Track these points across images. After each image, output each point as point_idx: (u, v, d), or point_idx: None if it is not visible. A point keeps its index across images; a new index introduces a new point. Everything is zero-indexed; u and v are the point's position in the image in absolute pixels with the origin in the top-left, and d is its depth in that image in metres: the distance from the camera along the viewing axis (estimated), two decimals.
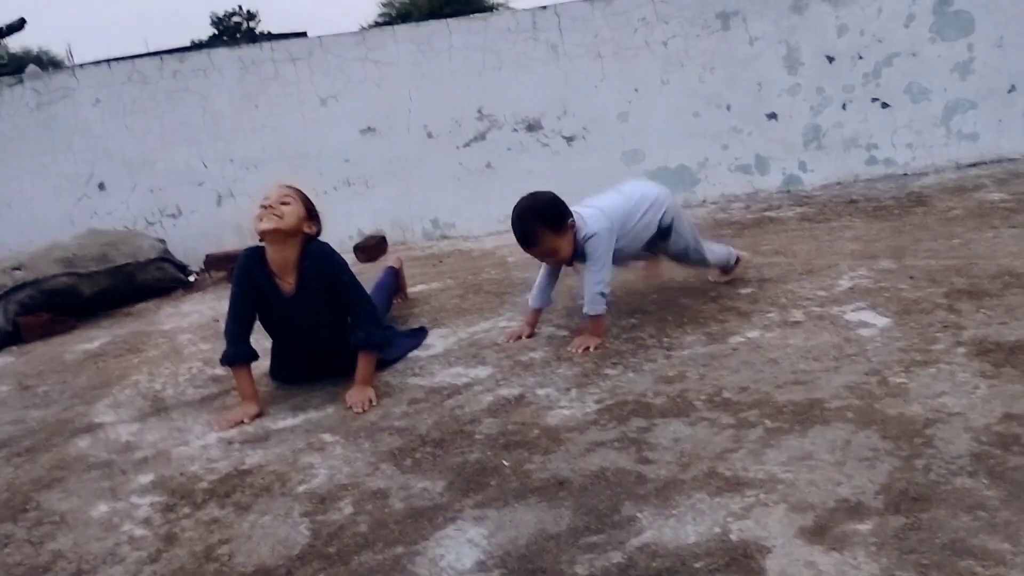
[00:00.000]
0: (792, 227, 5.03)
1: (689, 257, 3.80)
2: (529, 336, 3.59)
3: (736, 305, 3.64)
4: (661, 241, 3.68)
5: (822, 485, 2.16)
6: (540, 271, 3.64)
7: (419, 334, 3.82)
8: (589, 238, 3.38)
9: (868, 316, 3.30)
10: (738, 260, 3.96)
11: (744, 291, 3.82)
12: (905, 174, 6.07)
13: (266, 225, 3.16)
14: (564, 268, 3.65)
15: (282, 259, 3.23)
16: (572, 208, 3.43)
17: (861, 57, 6.03)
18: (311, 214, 3.29)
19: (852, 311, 3.38)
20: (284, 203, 3.20)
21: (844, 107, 6.09)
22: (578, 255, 3.47)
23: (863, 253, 4.17)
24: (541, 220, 3.33)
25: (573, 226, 3.38)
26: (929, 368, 2.76)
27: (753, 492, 2.17)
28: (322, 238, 3.34)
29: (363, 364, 3.27)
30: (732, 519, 2.07)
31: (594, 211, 3.46)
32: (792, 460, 2.30)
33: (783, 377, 2.85)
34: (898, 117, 6.08)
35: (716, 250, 3.89)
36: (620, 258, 3.55)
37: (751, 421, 2.57)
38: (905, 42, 5.99)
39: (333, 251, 3.32)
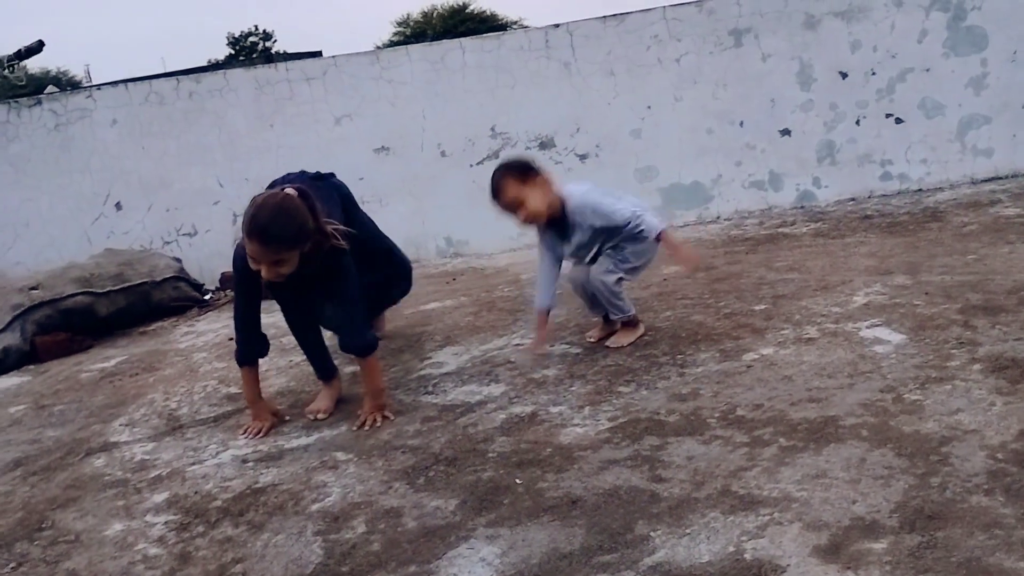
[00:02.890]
0: (806, 243, 5.01)
1: (604, 280, 3.55)
2: (545, 346, 3.58)
3: (750, 322, 3.63)
4: (613, 247, 3.55)
5: (837, 503, 2.14)
6: (539, 263, 3.62)
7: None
8: (577, 205, 3.44)
9: (883, 333, 3.29)
10: (637, 324, 3.70)
11: (758, 308, 3.80)
12: (920, 189, 6.05)
13: (270, 277, 3.02)
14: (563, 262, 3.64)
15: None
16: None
17: (874, 73, 6.02)
18: (308, 238, 3.00)
19: (867, 328, 3.36)
20: (278, 264, 2.97)
21: (858, 123, 6.08)
22: (567, 228, 3.48)
23: (878, 269, 4.16)
24: (507, 169, 3.45)
25: (545, 183, 3.42)
26: (944, 385, 2.74)
27: (767, 511, 2.16)
28: None
29: (366, 371, 3.24)
30: (746, 538, 2.06)
31: (581, 186, 3.54)
32: (806, 478, 2.29)
33: (797, 394, 2.84)
34: (912, 133, 6.06)
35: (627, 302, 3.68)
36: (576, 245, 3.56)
37: (765, 439, 2.56)
38: (919, 58, 5.99)
39: (348, 265, 3.17)
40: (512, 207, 3.43)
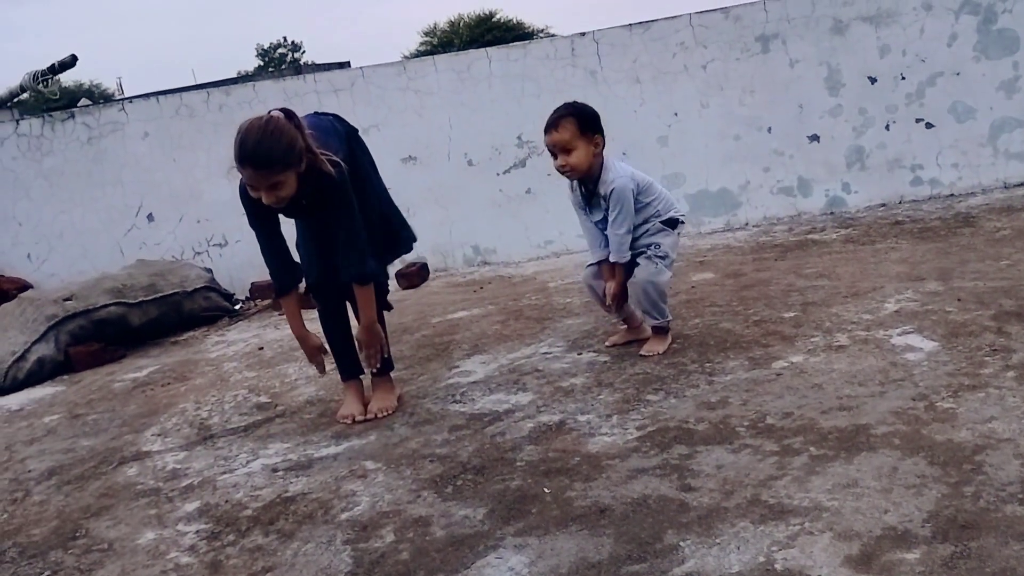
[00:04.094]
0: (836, 249, 4.97)
1: (656, 281, 3.55)
2: (617, 293, 3.57)
3: (779, 329, 3.61)
4: (646, 245, 3.57)
5: (868, 513, 2.12)
6: (580, 223, 3.69)
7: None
8: (612, 189, 3.45)
9: (915, 340, 3.25)
10: (668, 331, 3.67)
11: (787, 315, 3.78)
12: (951, 194, 5.98)
13: (269, 203, 3.00)
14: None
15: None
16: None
17: (904, 77, 5.97)
18: (300, 157, 2.96)
19: (898, 335, 3.33)
20: (275, 187, 2.95)
21: (887, 128, 6.03)
22: (595, 197, 3.52)
23: (909, 275, 4.12)
24: (575, 112, 3.43)
25: (600, 145, 3.45)
26: (978, 393, 2.71)
27: (798, 520, 2.14)
28: None
29: (361, 300, 3.23)
30: (777, 548, 2.04)
31: (624, 167, 3.55)
32: (837, 487, 2.27)
33: (828, 403, 2.82)
34: (943, 137, 6.00)
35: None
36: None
37: (795, 448, 2.54)
38: (949, 62, 5.93)
39: (343, 186, 3.10)
40: (558, 149, 3.44)
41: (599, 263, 3.64)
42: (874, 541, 2.00)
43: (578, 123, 3.41)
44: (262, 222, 3.22)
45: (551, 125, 3.44)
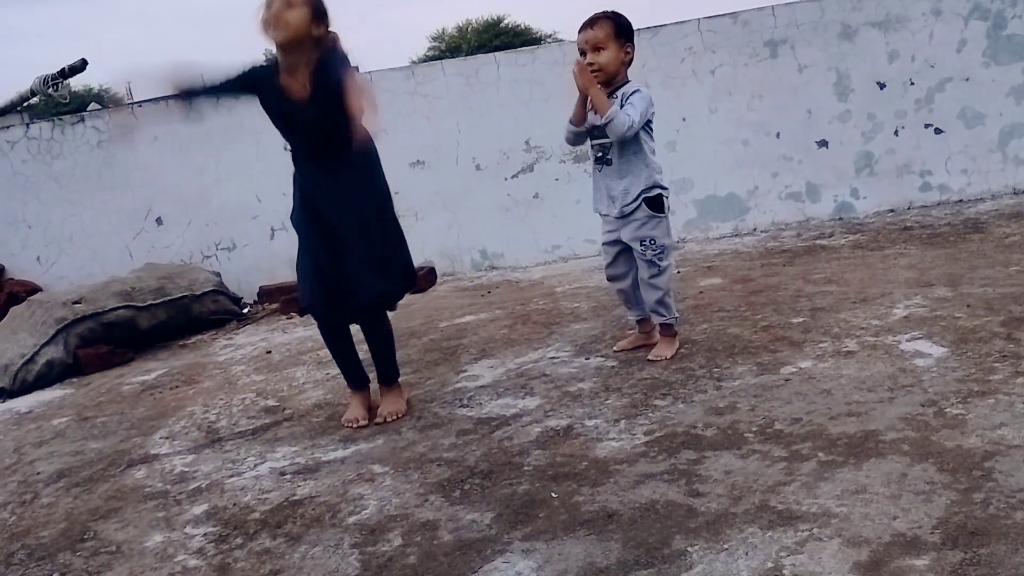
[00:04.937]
0: (845, 255, 4.96)
1: (657, 283, 3.55)
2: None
3: (788, 335, 3.60)
4: (645, 225, 3.53)
5: (877, 519, 2.11)
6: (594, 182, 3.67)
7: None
8: (637, 90, 3.48)
9: (924, 346, 3.24)
10: (676, 334, 3.67)
11: (796, 320, 3.77)
12: (960, 200, 5.97)
13: (275, 37, 3.08)
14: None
15: (294, 67, 3.16)
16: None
17: (913, 83, 5.96)
18: (318, 13, 3.13)
19: (907, 340, 3.32)
20: (288, 8, 3.05)
21: (896, 133, 6.01)
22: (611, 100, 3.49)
23: (918, 281, 4.11)
24: (614, 17, 3.48)
25: (629, 55, 3.52)
26: (987, 399, 2.70)
27: (806, 526, 2.14)
28: None
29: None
30: (785, 554, 2.03)
31: (638, 87, 3.55)
32: (846, 493, 2.26)
33: (837, 408, 2.81)
34: (952, 143, 5.98)
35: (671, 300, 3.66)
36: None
37: (804, 453, 2.53)
38: (958, 67, 5.91)
39: (342, 61, 3.16)
40: (590, 47, 3.47)
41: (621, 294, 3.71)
42: (883, 548, 1.99)
43: (614, 26, 3.47)
44: (239, 77, 3.28)
45: (588, 23, 3.49)
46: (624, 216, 3.54)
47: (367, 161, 3.31)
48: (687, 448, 2.70)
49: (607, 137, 3.51)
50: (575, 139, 3.65)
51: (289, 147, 3.42)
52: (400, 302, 3.49)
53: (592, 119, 3.52)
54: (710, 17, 6.09)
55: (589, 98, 3.46)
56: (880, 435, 2.56)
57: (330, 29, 3.20)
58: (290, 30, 3.08)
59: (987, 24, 5.86)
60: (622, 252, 3.63)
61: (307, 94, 3.16)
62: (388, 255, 3.32)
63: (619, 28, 3.48)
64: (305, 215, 3.35)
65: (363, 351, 3.49)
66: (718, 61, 6.07)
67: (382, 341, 3.45)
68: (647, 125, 3.52)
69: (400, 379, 3.53)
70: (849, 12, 5.95)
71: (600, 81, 3.49)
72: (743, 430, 2.76)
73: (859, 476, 2.34)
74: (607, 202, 3.59)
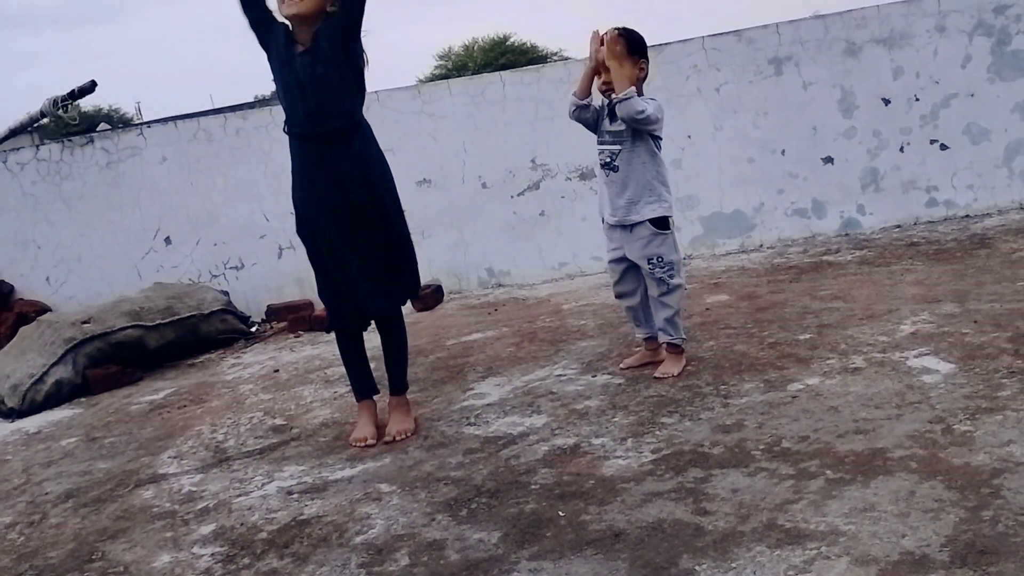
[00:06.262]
0: (851, 271, 4.96)
1: (667, 301, 3.58)
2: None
3: (795, 352, 3.60)
4: (651, 264, 3.56)
5: (885, 537, 2.11)
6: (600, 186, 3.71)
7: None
8: (653, 98, 3.57)
9: (931, 362, 3.24)
10: (682, 352, 3.67)
11: (803, 337, 3.77)
12: (967, 216, 5.96)
13: (287, 11, 3.15)
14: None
15: (304, 34, 3.21)
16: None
17: (918, 99, 5.97)
18: None
19: (914, 357, 3.31)
20: None
21: (902, 149, 6.02)
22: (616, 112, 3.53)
23: (925, 297, 4.10)
24: (628, 34, 3.54)
25: (644, 70, 3.58)
26: (995, 415, 2.69)
27: (814, 545, 2.13)
28: None
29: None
30: (793, 572, 2.03)
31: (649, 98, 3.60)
32: (854, 511, 2.26)
33: (844, 426, 2.81)
34: (958, 159, 5.98)
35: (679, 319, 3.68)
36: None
37: (812, 471, 2.53)
38: (963, 83, 5.92)
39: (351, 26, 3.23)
40: (607, 50, 3.51)
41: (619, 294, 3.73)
42: (892, 566, 1.98)
43: (628, 44, 3.52)
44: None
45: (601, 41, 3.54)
46: (626, 227, 3.56)
47: (368, 151, 3.36)
48: (694, 466, 2.69)
49: (615, 144, 3.55)
50: (577, 113, 3.69)
51: (287, 128, 3.42)
52: (407, 321, 3.51)
53: (596, 102, 3.62)
54: (714, 35, 6.11)
55: (601, 73, 3.54)
56: (888, 452, 2.56)
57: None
58: (305, 3, 3.14)
59: (991, 40, 5.87)
60: (629, 269, 3.64)
61: (308, 46, 3.21)
62: (392, 260, 3.35)
63: (632, 44, 3.53)
64: (307, 229, 3.45)
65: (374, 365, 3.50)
66: (723, 79, 6.09)
67: (396, 346, 3.49)
68: (656, 141, 3.54)
69: (407, 396, 3.53)
70: (853, 29, 5.97)
71: (611, 88, 3.55)
72: (750, 448, 2.76)
73: (867, 494, 2.34)
74: (610, 209, 3.61)
